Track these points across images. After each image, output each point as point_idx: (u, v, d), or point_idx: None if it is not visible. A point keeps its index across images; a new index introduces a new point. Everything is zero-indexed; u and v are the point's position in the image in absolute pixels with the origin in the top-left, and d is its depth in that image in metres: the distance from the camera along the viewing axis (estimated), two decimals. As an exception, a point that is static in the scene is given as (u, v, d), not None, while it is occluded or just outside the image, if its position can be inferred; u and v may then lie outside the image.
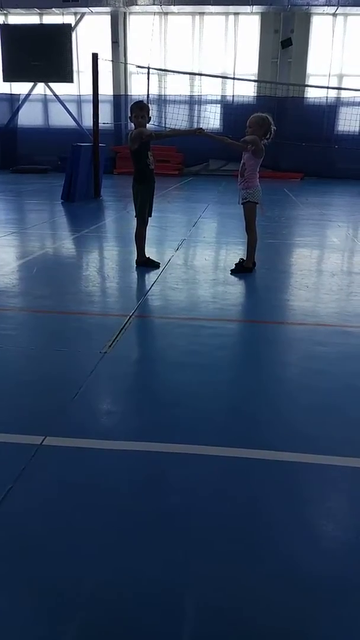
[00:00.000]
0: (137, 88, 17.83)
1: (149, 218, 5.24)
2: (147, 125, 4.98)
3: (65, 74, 17.48)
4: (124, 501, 1.91)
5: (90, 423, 2.43)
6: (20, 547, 1.69)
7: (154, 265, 5.25)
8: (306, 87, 17.36)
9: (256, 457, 2.18)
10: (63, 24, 17.70)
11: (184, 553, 1.67)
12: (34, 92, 18.81)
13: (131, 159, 5.06)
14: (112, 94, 18.25)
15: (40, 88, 18.63)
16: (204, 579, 1.58)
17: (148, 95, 14.06)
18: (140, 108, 4.90)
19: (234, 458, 2.18)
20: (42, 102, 19.15)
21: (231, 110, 17.34)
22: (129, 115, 4.96)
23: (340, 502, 2.00)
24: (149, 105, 5.23)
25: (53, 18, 18.14)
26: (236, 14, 17.70)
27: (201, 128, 5.36)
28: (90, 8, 17.26)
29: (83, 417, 2.46)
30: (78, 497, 1.93)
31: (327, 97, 17.36)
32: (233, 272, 5.12)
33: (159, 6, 17.05)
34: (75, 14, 18.09)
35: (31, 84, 18.50)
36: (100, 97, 10.86)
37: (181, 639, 1.41)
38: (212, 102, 18.01)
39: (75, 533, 1.75)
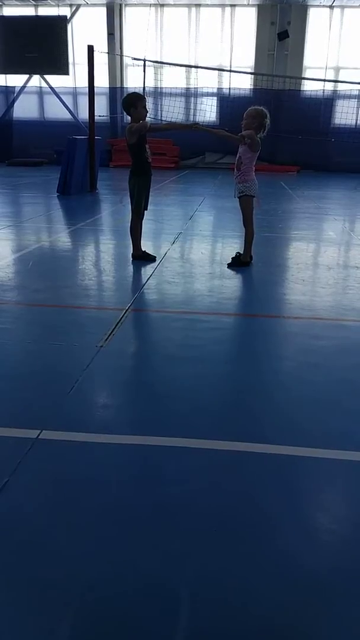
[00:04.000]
0: (133, 80, 17.71)
1: (145, 211, 5.22)
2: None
3: (60, 66, 17.35)
4: (120, 495, 1.92)
5: (86, 417, 2.43)
6: (16, 540, 1.70)
7: (150, 258, 5.24)
8: (303, 80, 17.30)
9: (252, 451, 2.18)
10: (58, 15, 17.56)
11: (180, 547, 1.68)
12: (30, 84, 18.68)
13: (129, 151, 5.02)
14: (108, 86, 18.16)
15: (36, 80, 18.50)
16: (201, 572, 1.59)
17: (144, 87, 13.98)
18: (144, 98, 4.89)
19: (229, 451, 2.18)
20: (37, 95, 19.04)
21: (227, 102, 17.28)
22: (130, 107, 4.78)
23: (336, 496, 2.01)
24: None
25: (48, 10, 18.01)
26: (232, 5, 17.61)
27: (197, 123, 5.33)
28: (85, 0, 17.12)
29: (79, 411, 2.47)
30: (74, 490, 1.93)
31: (323, 90, 17.32)
32: (230, 265, 5.11)
33: (155, -2, 16.94)
34: (70, 5, 17.97)
35: (26, 76, 18.37)
36: (96, 90, 10.79)
37: (177, 633, 1.41)
38: (208, 94, 17.94)
39: (72, 526, 1.75)
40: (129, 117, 4.95)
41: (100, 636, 1.39)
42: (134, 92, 5.18)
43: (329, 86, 17.35)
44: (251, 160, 4.92)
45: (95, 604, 1.47)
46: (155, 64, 16.23)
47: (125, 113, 5.00)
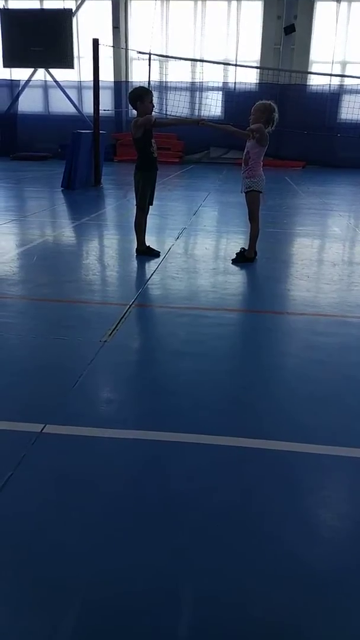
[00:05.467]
0: (138, 74, 17.67)
1: (150, 207, 5.22)
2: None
3: (65, 60, 17.29)
4: (123, 489, 1.92)
5: (89, 411, 2.44)
6: (20, 535, 1.70)
7: (154, 254, 5.23)
8: (309, 75, 17.20)
9: (254, 447, 2.18)
10: (64, 8, 17.48)
11: (182, 542, 1.68)
12: (34, 77, 18.65)
13: (134, 146, 5.01)
14: (112, 80, 18.11)
15: (41, 74, 18.46)
16: (202, 569, 1.59)
17: (149, 81, 13.93)
18: (151, 92, 4.88)
19: (232, 447, 2.18)
20: (42, 88, 19.01)
21: (233, 97, 17.23)
22: (137, 100, 4.77)
23: (337, 492, 2.01)
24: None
25: (53, 3, 17.93)
26: (239, -1, 17.53)
27: (203, 119, 5.31)
28: (91, -7, 17.06)
29: (83, 406, 2.47)
30: (77, 485, 1.94)
31: (330, 84, 17.23)
32: (234, 261, 5.10)
33: (161, -9, 16.86)
34: (76, -2, 17.91)
35: (31, 69, 18.33)
36: (101, 83, 10.76)
37: (180, 630, 1.42)
38: (213, 88, 17.86)
39: (75, 521, 1.76)
40: (134, 111, 4.93)
41: (103, 634, 1.40)
42: (142, 86, 5.17)
43: (335, 81, 17.25)
44: (259, 155, 4.89)
45: (99, 602, 1.48)
46: (160, 57, 16.17)
47: (131, 107, 4.99)
